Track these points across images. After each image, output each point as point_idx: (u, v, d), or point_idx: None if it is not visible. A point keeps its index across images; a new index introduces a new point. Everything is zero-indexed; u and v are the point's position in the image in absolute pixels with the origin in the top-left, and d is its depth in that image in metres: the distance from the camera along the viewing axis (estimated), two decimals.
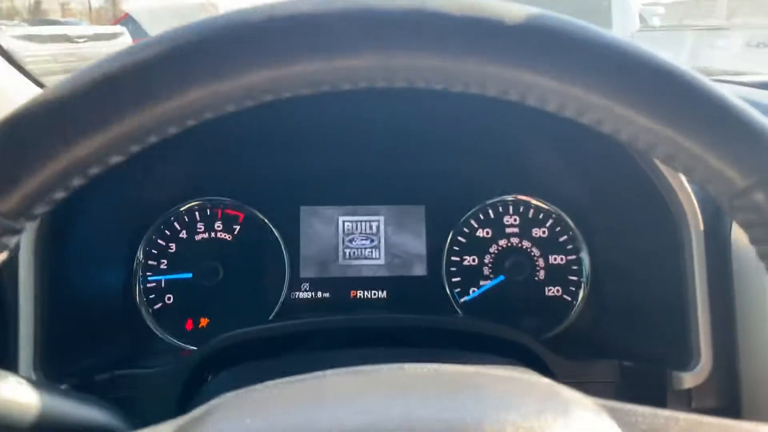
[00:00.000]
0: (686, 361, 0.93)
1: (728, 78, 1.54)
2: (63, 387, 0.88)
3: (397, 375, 0.46)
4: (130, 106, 0.40)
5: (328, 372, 0.47)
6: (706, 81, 0.43)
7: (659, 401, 0.96)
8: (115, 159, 0.42)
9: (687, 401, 0.96)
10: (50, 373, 0.90)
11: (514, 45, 0.42)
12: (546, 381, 0.45)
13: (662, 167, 0.94)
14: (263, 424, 0.40)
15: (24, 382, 0.60)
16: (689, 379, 0.91)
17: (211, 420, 0.42)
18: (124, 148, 0.42)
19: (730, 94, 0.43)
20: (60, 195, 0.42)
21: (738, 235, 0.98)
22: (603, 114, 0.43)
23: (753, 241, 0.45)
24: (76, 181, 0.42)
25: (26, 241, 0.90)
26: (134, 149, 0.42)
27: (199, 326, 1.22)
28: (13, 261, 0.90)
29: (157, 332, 1.21)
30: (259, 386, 0.46)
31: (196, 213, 1.25)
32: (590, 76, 0.42)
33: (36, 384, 0.62)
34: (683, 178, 0.95)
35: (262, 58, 0.41)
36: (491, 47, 0.41)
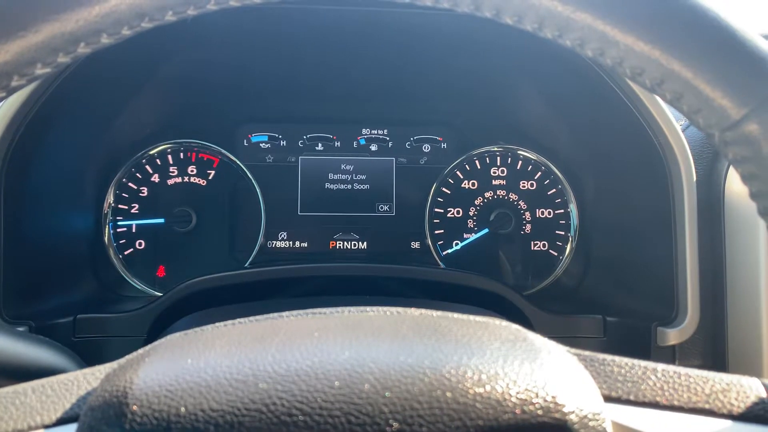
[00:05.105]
0: (672, 317, 0.90)
1: None
2: (21, 329, 0.85)
3: (357, 318, 0.42)
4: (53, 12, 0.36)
5: (286, 313, 0.43)
6: None
7: (643, 358, 0.93)
8: (41, 70, 0.38)
9: (671, 359, 0.94)
10: (8, 314, 0.86)
11: None
12: (515, 327, 0.41)
13: (657, 117, 0.90)
14: (202, 364, 0.36)
15: None
16: (674, 335, 0.88)
17: (151, 360, 0.38)
18: (52, 57, 0.38)
19: (725, 12, 0.37)
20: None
21: (731, 187, 0.94)
22: (585, 33, 0.37)
23: (745, 178, 0.39)
24: None
25: None
26: (63, 60, 0.38)
27: (172, 274, 1.18)
28: None
29: (126, 278, 1.16)
30: (208, 327, 0.42)
31: (169, 156, 1.20)
32: None
33: None
34: (678, 128, 0.90)
35: None
36: None
